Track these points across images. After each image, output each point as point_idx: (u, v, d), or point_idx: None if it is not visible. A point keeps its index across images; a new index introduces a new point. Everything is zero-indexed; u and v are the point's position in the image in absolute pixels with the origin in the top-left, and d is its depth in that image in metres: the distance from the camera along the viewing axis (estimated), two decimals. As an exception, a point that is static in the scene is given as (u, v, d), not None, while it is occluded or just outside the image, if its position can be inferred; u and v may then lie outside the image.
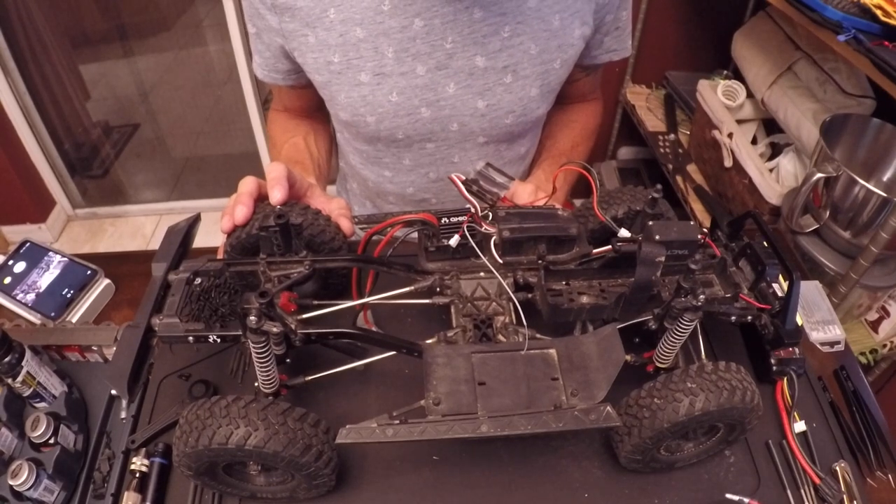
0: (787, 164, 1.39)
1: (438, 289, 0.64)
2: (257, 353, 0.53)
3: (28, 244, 0.89)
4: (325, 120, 1.05)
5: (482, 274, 0.64)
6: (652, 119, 1.83)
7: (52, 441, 0.64)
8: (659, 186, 0.64)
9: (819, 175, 1.04)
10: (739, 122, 1.47)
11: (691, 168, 1.63)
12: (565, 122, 1.03)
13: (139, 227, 2.49)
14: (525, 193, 0.74)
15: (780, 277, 0.62)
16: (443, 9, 0.77)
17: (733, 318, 0.61)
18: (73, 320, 0.82)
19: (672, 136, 1.74)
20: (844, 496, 0.60)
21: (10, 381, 0.65)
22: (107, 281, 0.86)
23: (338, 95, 0.84)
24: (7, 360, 0.64)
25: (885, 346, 1.18)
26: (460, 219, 0.62)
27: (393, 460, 0.62)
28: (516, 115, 0.87)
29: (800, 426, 0.65)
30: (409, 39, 0.79)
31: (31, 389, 0.67)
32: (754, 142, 1.52)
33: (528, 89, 0.85)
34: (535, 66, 0.83)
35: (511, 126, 0.88)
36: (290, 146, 0.96)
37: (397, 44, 0.79)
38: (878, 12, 0.93)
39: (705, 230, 0.67)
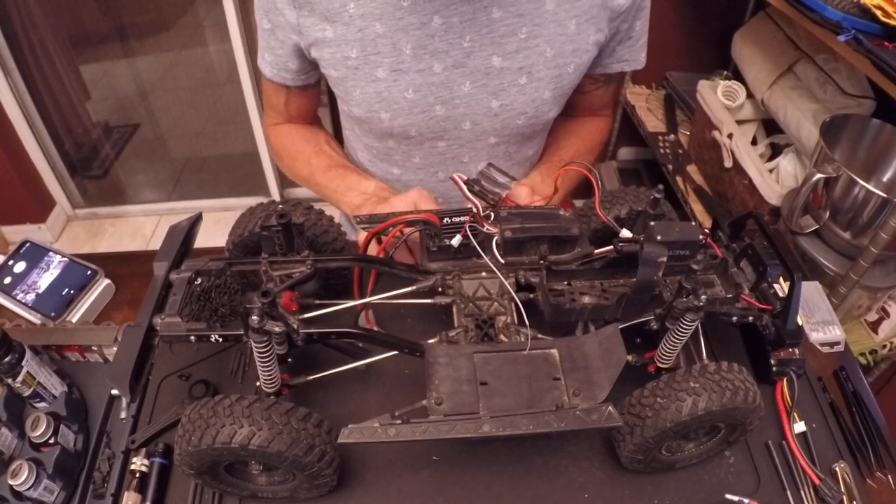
0: (787, 164, 1.39)
1: (440, 289, 0.64)
2: (259, 352, 0.53)
3: (28, 244, 0.89)
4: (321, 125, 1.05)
5: (484, 274, 0.64)
6: (652, 119, 1.83)
7: (52, 441, 0.63)
8: (661, 187, 0.64)
9: (819, 175, 1.04)
10: (739, 122, 1.47)
11: (691, 168, 1.63)
12: (571, 132, 1.03)
13: (139, 227, 2.48)
14: (521, 196, 0.74)
15: (781, 278, 0.62)
16: (462, 7, 0.77)
17: (735, 318, 0.61)
18: (74, 320, 0.82)
19: (672, 137, 1.74)
20: (844, 497, 0.61)
21: (10, 381, 0.65)
22: (107, 281, 0.86)
23: (353, 91, 0.84)
24: (7, 360, 0.64)
25: (884, 346, 1.18)
26: (462, 219, 0.62)
27: (393, 460, 0.62)
28: (528, 117, 0.87)
29: (799, 427, 0.65)
30: (428, 36, 0.79)
31: (31, 389, 0.66)
32: (754, 142, 1.52)
33: (541, 91, 0.85)
34: (549, 69, 0.83)
35: (522, 127, 0.89)
36: (321, 155, 0.96)
37: (415, 40, 0.79)
38: (878, 12, 0.93)
39: (707, 230, 0.67)
